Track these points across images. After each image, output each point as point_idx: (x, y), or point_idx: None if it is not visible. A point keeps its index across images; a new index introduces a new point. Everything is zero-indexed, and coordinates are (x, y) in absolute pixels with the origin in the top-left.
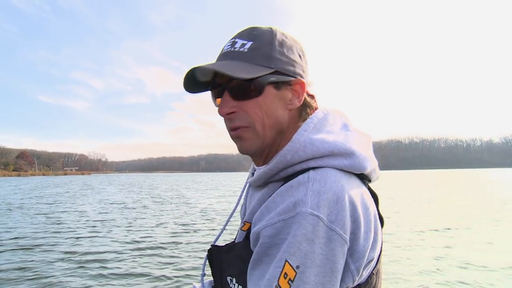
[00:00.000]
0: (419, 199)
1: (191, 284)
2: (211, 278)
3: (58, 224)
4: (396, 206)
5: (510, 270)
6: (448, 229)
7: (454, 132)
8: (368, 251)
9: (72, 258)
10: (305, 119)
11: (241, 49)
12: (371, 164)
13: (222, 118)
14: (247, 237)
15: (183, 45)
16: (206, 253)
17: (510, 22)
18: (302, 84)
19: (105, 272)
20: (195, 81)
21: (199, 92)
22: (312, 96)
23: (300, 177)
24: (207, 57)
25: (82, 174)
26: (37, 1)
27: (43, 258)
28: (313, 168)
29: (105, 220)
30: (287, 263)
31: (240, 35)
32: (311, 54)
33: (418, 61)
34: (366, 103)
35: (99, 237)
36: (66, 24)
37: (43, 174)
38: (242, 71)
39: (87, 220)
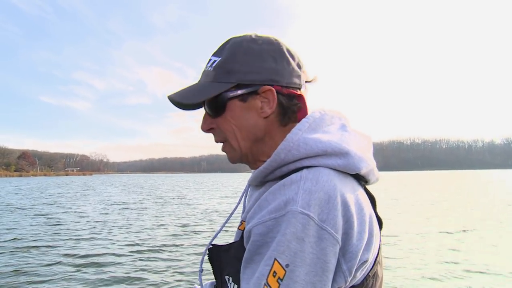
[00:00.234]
0: (422, 200)
1: (193, 285)
2: (213, 278)
3: (57, 225)
4: (400, 207)
5: None
6: (450, 233)
7: (456, 133)
8: (361, 251)
9: (71, 261)
10: (287, 123)
11: (209, 68)
12: (367, 165)
13: None
14: (243, 236)
15: (185, 45)
16: (205, 251)
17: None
18: (271, 91)
19: (104, 276)
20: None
21: (193, 109)
22: (297, 97)
23: (293, 175)
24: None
25: (84, 174)
26: (39, 2)
27: (40, 261)
28: (307, 167)
29: (105, 221)
30: (276, 261)
31: (215, 52)
32: (312, 55)
33: (419, 62)
34: (368, 104)
35: (99, 238)
36: (67, 25)
37: (45, 175)
38: (194, 95)
39: (87, 222)
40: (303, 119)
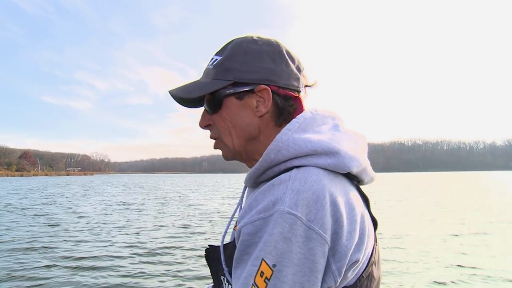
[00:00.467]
0: (425, 202)
1: None
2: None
3: (55, 226)
4: (403, 209)
5: None
6: (456, 235)
7: (457, 135)
8: (352, 251)
9: (67, 263)
10: (282, 123)
11: (210, 66)
12: (358, 164)
13: None
14: None
15: (187, 46)
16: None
17: None
18: (266, 90)
19: (102, 280)
20: (188, 99)
21: (195, 107)
22: (294, 99)
23: (282, 175)
24: None
25: (85, 174)
26: (41, 2)
27: (37, 263)
28: (297, 167)
29: (105, 222)
30: (263, 261)
31: (217, 52)
32: (313, 55)
33: (421, 63)
34: (369, 105)
35: (98, 240)
36: (69, 25)
37: (46, 175)
38: (193, 90)
39: (87, 223)
40: (293, 120)
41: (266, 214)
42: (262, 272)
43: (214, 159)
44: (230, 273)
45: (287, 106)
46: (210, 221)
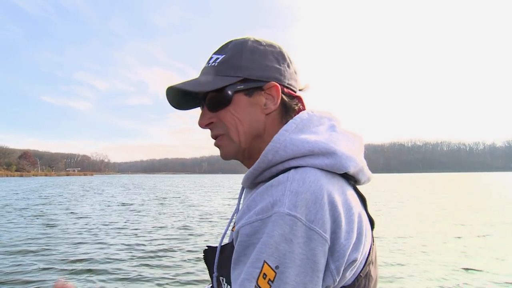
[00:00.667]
0: (426, 203)
1: None
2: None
3: (53, 227)
4: (404, 210)
5: None
6: (458, 237)
7: (457, 136)
8: (349, 251)
9: (63, 266)
10: (287, 122)
11: (213, 64)
12: (355, 164)
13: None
14: None
15: (187, 47)
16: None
17: None
18: (276, 88)
19: (99, 284)
20: (182, 99)
21: (188, 109)
22: (297, 98)
23: (280, 176)
24: None
25: (85, 175)
26: (41, 2)
27: (33, 266)
28: (295, 167)
29: (104, 223)
30: (265, 263)
31: (216, 51)
32: (313, 56)
33: (421, 64)
34: (369, 106)
35: (96, 242)
36: (69, 25)
37: (46, 175)
38: (205, 85)
39: (86, 224)
40: (291, 120)
41: (264, 215)
42: (265, 274)
43: (214, 159)
44: (218, 279)
45: (292, 104)
46: (210, 222)
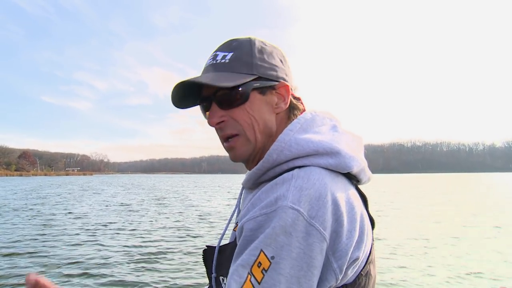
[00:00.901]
0: (427, 204)
1: None
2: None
3: (50, 227)
4: (406, 210)
5: None
6: (458, 237)
7: (457, 136)
8: (352, 250)
9: (59, 269)
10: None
11: (223, 61)
12: (358, 164)
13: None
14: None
15: (187, 47)
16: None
17: None
18: (286, 87)
19: (98, 286)
20: (183, 96)
21: (187, 107)
22: (298, 99)
23: (285, 175)
24: None
25: (84, 174)
26: (41, 2)
27: (28, 268)
28: (299, 166)
29: (103, 223)
30: (262, 252)
31: (220, 48)
32: (313, 56)
33: (421, 65)
34: (368, 106)
35: (95, 243)
36: (69, 25)
37: (45, 174)
38: (225, 80)
39: (84, 224)
40: (295, 120)
41: (269, 209)
42: (260, 262)
43: (214, 159)
44: (217, 279)
45: (298, 105)
46: (209, 223)
